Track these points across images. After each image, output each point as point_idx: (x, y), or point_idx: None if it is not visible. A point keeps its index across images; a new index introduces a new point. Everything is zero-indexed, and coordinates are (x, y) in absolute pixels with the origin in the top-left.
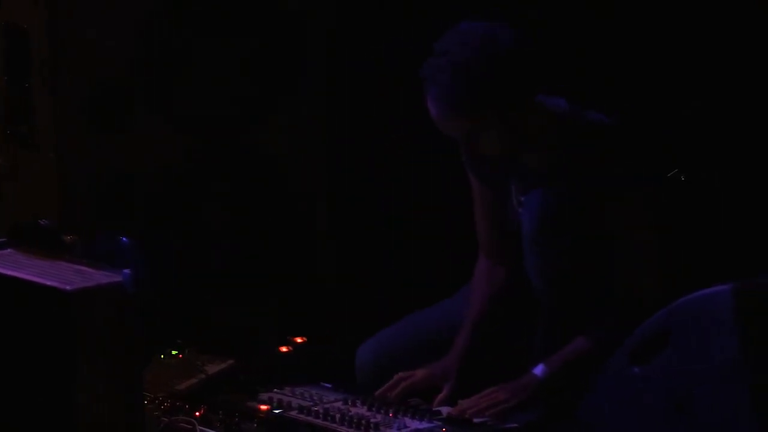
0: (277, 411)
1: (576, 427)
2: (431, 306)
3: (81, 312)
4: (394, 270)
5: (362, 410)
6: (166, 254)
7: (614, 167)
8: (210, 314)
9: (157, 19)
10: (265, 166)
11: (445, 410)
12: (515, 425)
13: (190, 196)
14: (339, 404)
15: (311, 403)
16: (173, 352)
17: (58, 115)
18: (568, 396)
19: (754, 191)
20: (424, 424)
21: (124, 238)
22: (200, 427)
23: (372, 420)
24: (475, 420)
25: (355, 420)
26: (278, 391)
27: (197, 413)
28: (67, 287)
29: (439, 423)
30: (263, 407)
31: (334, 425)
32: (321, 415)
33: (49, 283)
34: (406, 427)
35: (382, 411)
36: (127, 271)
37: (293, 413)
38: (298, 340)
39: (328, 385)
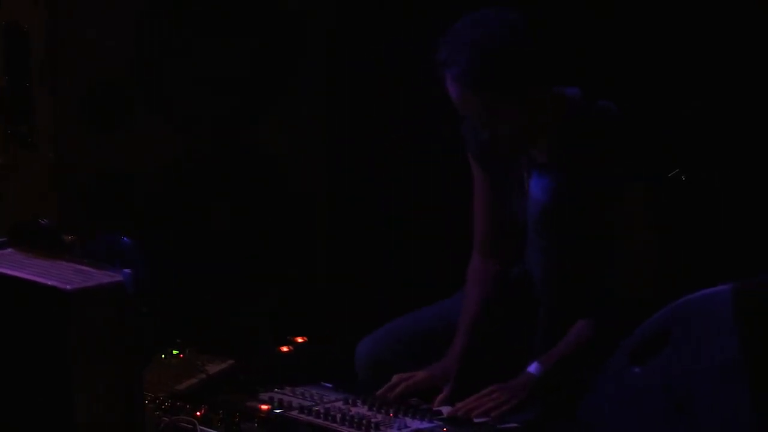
0: (277, 411)
1: (576, 427)
2: (431, 305)
3: (81, 312)
4: (394, 270)
5: (363, 410)
6: (166, 254)
7: (612, 165)
8: (210, 314)
9: (157, 19)
10: (265, 166)
11: (445, 410)
12: (515, 425)
13: (190, 196)
14: (339, 404)
15: (312, 403)
16: (174, 352)
17: (57, 115)
18: (565, 394)
19: (754, 191)
20: (425, 424)
21: (125, 238)
22: (201, 427)
23: (372, 420)
24: (476, 420)
25: (355, 420)
26: (279, 390)
27: (198, 413)
28: (68, 287)
29: (440, 423)
30: (264, 407)
31: (335, 425)
32: (322, 415)
33: (49, 282)
34: (406, 426)
35: (383, 411)
36: (127, 270)
37: (294, 413)
38: (299, 339)
39: (329, 385)
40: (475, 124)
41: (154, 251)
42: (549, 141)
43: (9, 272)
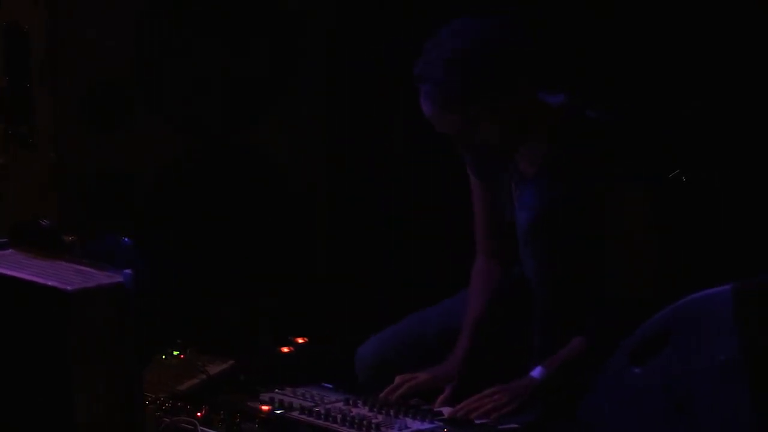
0: (278, 411)
1: (576, 427)
2: (435, 305)
3: (81, 312)
4: (394, 270)
5: (363, 411)
6: (166, 254)
7: (611, 166)
8: (210, 314)
9: (157, 19)
10: (265, 166)
11: (445, 410)
12: (515, 426)
13: (190, 196)
14: (340, 405)
15: (312, 404)
16: (174, 353)
17: (57, 115)
18: (566, 396)
19: (754, 191)
20: (426, 425)
21: (125, 239)
22: (201, 428)
23: (373, 420)
24: (477, 420)
25: (356, 420)
26: (279, 391)
27: (198, 414)
28: (68, 287)
29: (441, 423)
30: (265, 408)
31: (336, 426)
32: (322, 416)
33: (49, 283)
34: (407, 427)
35: (384, 411)
36: (128, 271)
37: (294, 414)
38: (300, 340)
39: (330, 386)
40: (453, 139)
41: (154, 251)
42: (537, 152)
43: (9, 273)
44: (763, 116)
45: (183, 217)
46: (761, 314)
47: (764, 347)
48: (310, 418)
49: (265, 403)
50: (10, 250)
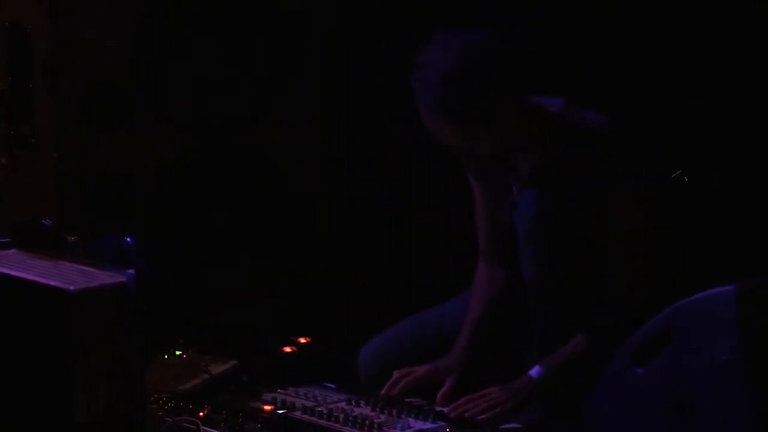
0: (280, 411)
1: (576, 426)
2: (437, 306)
3: (83, 312)
4: (394, 270)
5: (366, 410)
6: (166, 254)
7: (609, 168)
8: (212, 314)
9: (157, 19)
10: (265, 166)
11: (445, 410)
12: (518, 425)
13: (190, 196)
14: (342, 404)
15: (315, 404)
16: (176, 353)
17: (58, 114)
18: (566, 395)
19: (754, 191)
20: (428, 425)
21: (128, 239)
22: (204, 427)
23: (376, 420)
24: (476, 419)
25: (358, 420)
26: (282, 391)
27: (201, 413)
28: (71, 287)
29: (443, 423)
30: (267, 407)
31: (338, 425)
32: (325, 416)
33: (52, 283)
34: (409, 427)
35: (386, 411)
36: (130, 271)
37: (297, 413)
38: (302, 340)
39: (332, 386)
40: (455, 149)
41: (154, 251)
42: (536, 156)
43: (12, 272)
44: (763, 116)
45: (183, 217)
46: (761, 314)
47: (764, 347)
48: (313, 418)
49: (268, 403)
50: (12, 250)
